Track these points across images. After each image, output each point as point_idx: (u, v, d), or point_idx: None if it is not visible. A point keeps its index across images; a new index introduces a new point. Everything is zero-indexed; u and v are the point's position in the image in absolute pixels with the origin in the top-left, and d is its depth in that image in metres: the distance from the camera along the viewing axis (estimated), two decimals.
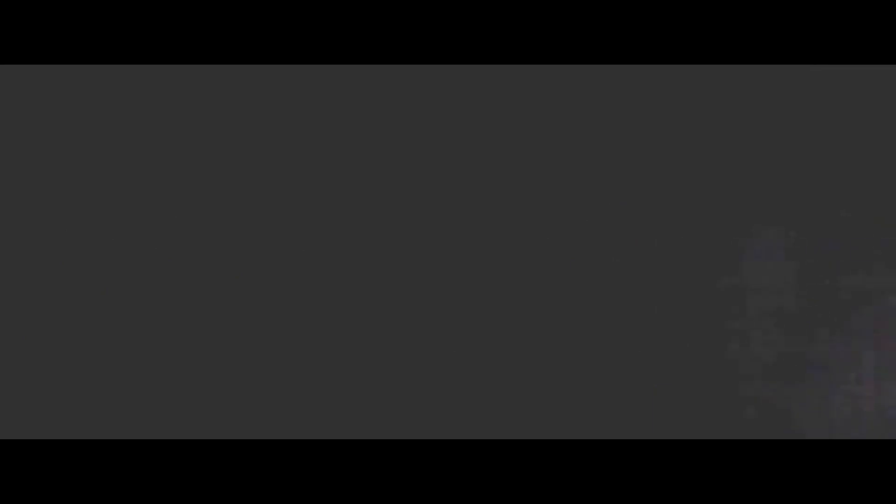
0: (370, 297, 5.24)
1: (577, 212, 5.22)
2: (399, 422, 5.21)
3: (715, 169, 5.20)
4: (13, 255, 5.26)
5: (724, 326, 5.17)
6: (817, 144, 5.17)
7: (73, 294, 5.25)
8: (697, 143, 5.21)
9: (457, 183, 5.26)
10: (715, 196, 5.20)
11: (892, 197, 5.14)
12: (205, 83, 5.30)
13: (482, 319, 5.22)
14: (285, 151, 5.29)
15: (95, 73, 5.29)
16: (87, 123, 5.30)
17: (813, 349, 5.14)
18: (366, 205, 5.27)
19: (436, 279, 5.23)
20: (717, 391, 5.15)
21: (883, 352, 5.10)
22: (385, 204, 5.27)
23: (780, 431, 5.12)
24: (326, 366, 5.23)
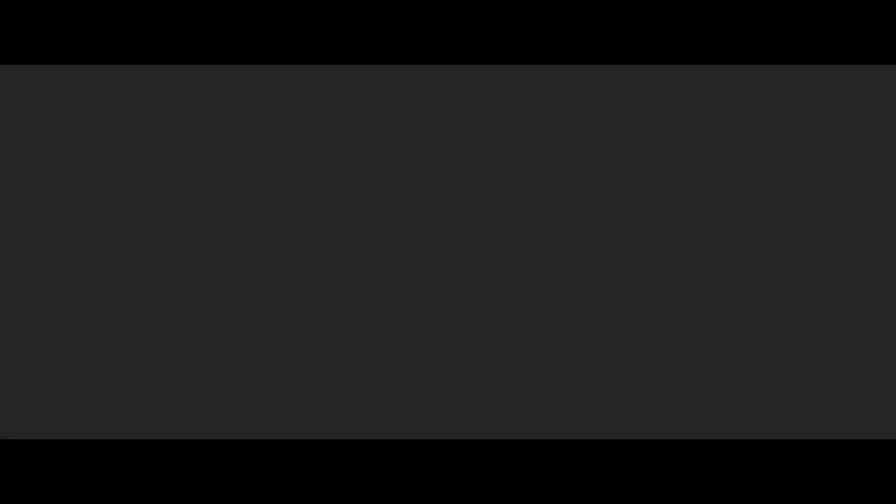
0: (370, 297, 5.24)
1: (577, 212, 5.22)
2: (397, 421, 5.21)
3: (715, 169, 5.20)
4: (13, 255, 5.26)
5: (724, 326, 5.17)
6: (817, 144, 5.17)
7: (73, 294, 5.25)
8: (697, 143, 5.21)
9: (456, 183, 5.25)
10: (714, 196, 5.20)
11: (892, 197, 5.14)
12: (205, 83, 5.29)
13: (482, 320, 5.21)
14: (285, 151, 5.29)
15: (95, 73, 5.29)
16: (87, 123, 5.29)
17: None
18: (364, 205, 5.27)
19: (435, 278, 5.23)
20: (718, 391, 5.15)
21: None
22: (384, 204, 5.26)
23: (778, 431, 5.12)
24: (326, 365, 5.22)
